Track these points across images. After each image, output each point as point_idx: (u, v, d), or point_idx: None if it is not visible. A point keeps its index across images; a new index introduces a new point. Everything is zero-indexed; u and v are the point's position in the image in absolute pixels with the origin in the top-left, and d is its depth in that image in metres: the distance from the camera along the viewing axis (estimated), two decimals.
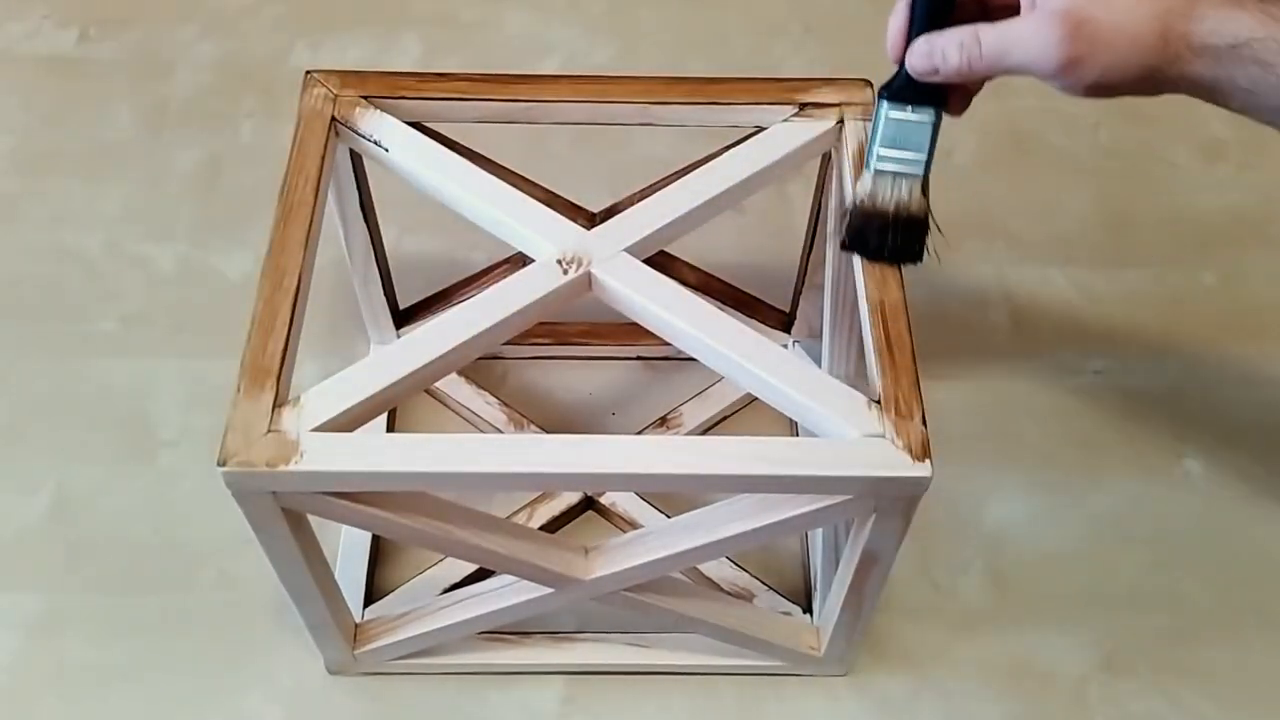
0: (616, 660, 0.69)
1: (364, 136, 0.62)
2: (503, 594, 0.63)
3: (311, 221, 0.57)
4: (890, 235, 0.56)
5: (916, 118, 0.55)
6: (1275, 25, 0.49)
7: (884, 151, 0.56)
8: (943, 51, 0.53)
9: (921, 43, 0.54)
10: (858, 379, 0.57)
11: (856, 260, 0.58)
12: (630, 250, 0.57)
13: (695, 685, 0.70)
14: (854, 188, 0.57)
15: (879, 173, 0.56)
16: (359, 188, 0.68)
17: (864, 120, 0.61)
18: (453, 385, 0.80)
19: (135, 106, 0.96)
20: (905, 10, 0.54)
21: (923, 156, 0.56)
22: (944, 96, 0.56)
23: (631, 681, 0.70)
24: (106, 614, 0.71)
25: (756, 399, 0.55)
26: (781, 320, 0.82)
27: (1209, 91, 0.52)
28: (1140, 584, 0.74)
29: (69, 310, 0.84)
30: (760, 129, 0.62)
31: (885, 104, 0.56)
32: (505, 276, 0.57)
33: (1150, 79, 0.51)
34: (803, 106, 0.62)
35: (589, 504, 0.76)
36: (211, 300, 0.85)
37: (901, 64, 0.55)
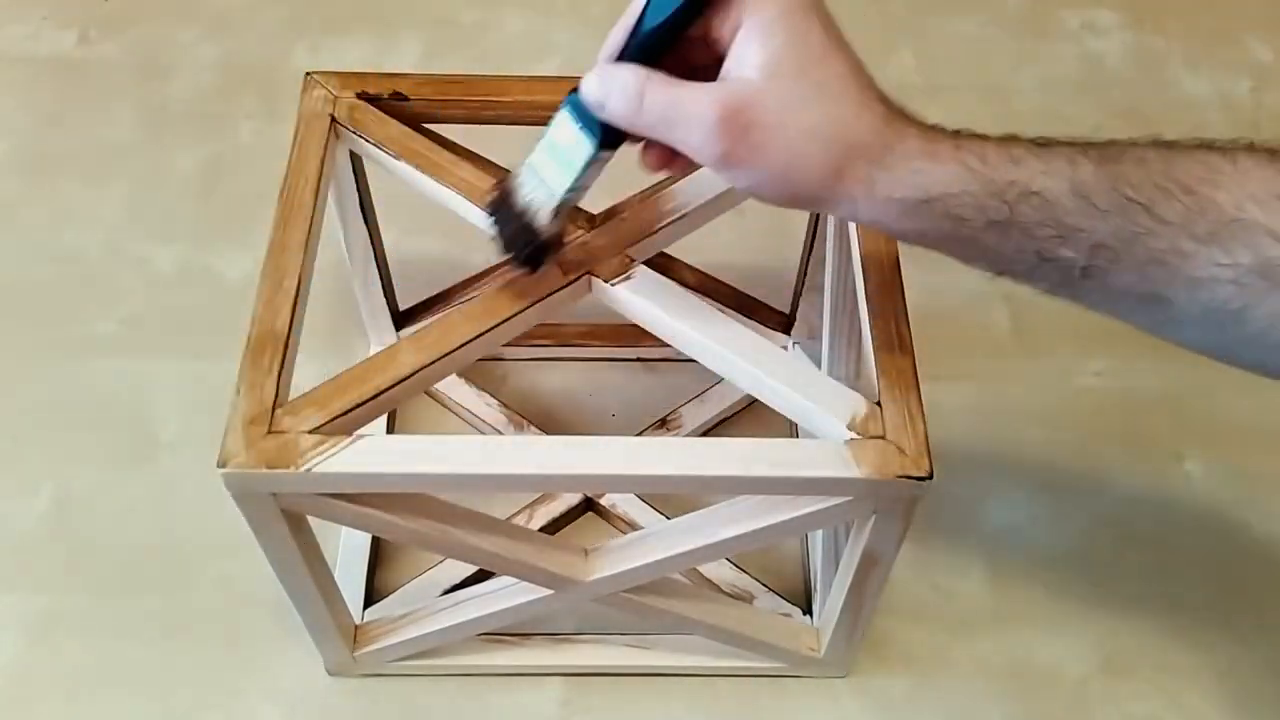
0: (616, 662, 0.69)
1: (364, 138, 0.62)
2: (502, 595, 0.63)
3: (311, 223, 0.57)
4: (516, 231, 0.52)
5: (579, 140, 0.48)
6: (971, 177, 0.42)
7: (540, 154, 0.50)
8: (612, 90, 0.45)
9: (597, 70, 0.46)
10: (858, 380, 0.57)
11: (856, 260, 0.57)
12: (631, 252, 0.58)
13: (695, 686, 0.70)
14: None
15: (528, 166, 0.51)
16: (359, 189, 0.68)
17: None
18: (453, 386, 0.80)
19: (135, 107, 0.96)
20: (626, 23, 0.46)
21: (566, 180, 0.49)
22: (618, 137, 0.47)
23: (631, 683, 0.70)
24: (106, 615, 0.71)
25: (756, 400, 0.55)
26: (781, 321, 0.81)
27: (889, 233, 0.47)
28: (1140, 584, 0.74)
29: (69, 311, 0.84)
30: None
31: (567, 106, 0.48)
32: (505, 278, 0.57)
33: (814, 204, 0.45)
34: None
35: (589, 505, 0.76)
36: (211, 301, 0.85)
37: None
